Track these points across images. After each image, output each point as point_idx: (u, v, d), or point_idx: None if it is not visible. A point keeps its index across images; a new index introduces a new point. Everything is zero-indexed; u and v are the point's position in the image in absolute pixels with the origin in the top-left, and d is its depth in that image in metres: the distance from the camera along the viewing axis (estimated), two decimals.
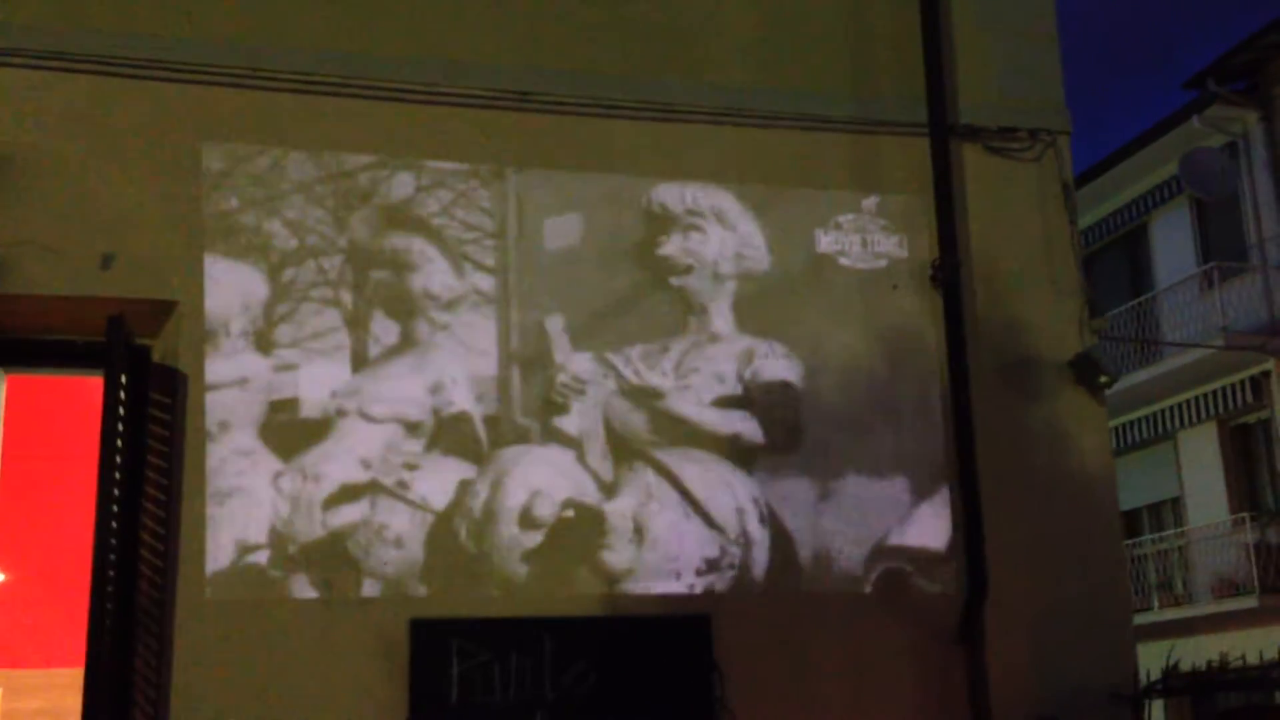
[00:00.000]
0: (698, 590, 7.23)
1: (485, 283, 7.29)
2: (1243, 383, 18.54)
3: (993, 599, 7.48)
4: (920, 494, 7.71)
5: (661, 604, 7.14)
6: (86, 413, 7.05)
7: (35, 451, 9.13)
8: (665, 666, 7.03)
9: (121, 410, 6.60)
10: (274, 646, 6.58)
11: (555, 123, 7.60)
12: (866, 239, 7.99)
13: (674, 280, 7.63)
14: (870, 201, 8.06)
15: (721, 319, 7.65)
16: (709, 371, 7.53)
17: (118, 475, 6.50)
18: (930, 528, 7.66)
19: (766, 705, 7.10)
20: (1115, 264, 21.50)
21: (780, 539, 7.43)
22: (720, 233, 7.74)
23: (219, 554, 6.60)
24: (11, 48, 6.80)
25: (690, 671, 7.05)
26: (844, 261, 7.93)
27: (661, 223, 7.68)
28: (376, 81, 7.31)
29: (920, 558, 7.62)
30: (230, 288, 6.89)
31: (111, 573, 6.39)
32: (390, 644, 6.69)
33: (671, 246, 7.65)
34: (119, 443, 6.55)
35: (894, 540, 7.61)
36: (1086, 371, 8.02)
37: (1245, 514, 18.52)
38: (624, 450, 7.29)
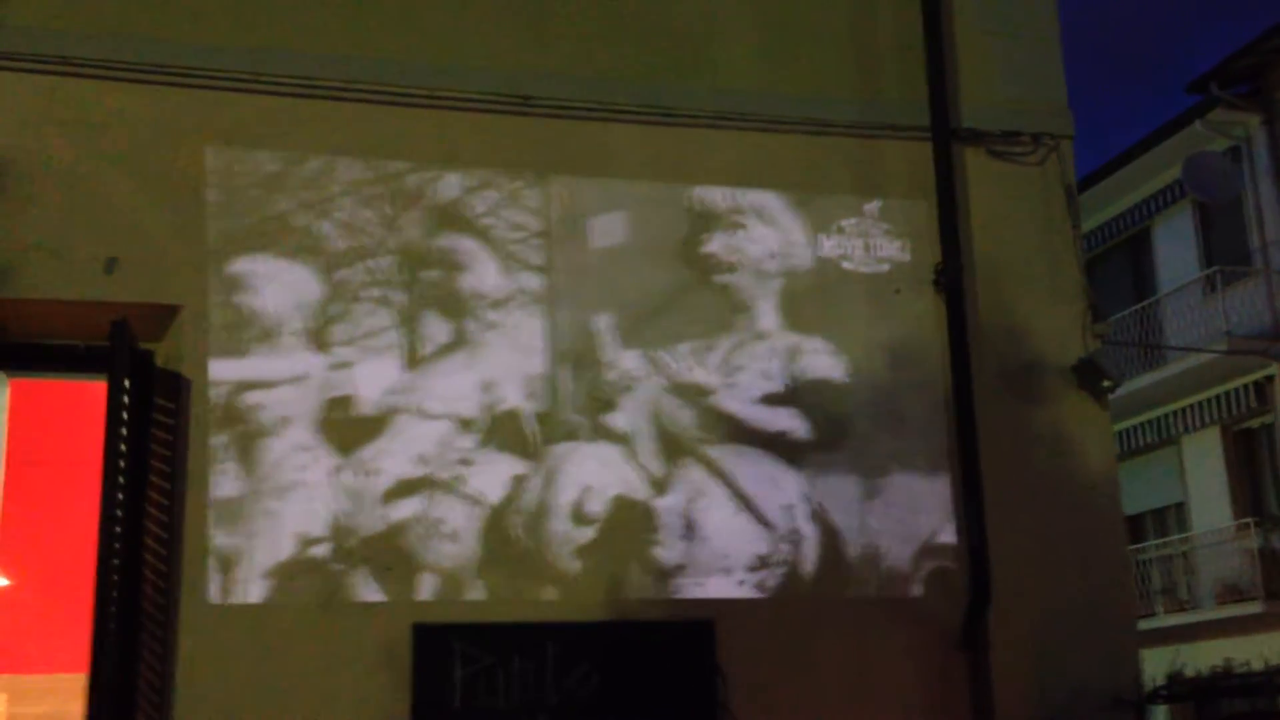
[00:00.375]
0: (749, 586, 7.30)
1: (533, 282, 7.37)
2: (1246, 387, 18.51)
3: (996, 603, 7.48)
4: (933, 496, 7.73)
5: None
6: (90, 417, 7.04)
7: (39, 456, 9.12)
8: (668, 670, 7.03)
9: (125, 415, 6.60)
10: (277, 651, 6.58)
11: (556, 127, 7.60)
12: (869, 243, 8.00)
13: (718, 278, 7.69)
14: (873, 206, 8.06)
15: (766, 316, 7.70)
16: (755, 369, 7.59)
17: (121, 480, 6.51)
18: (943, 530, 7.68)
19: (769, 709, 7.10)
20: (1118, 268, 21.47)
21: (829, 536, 7.50)
22: (763, 230, 7.81)
23: (280, 547, 6.68)
24: (15, 51, 6.82)
25: (693, 675, 7.05)
26: (846, 266, 7.93)
27: (705, 221, 7.74)
28: (380, 85, 7.32)
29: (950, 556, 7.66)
30: (286, 287, 6.98)
31: (115, 578, 6.39)
32: (393, 649, 6.69)
33: (715, 244, 7.70)
34: (122, 447, 6.56)
35: (914, 540, 7.65)
36: (1089, 376, 8.02)
37: (1249, 519, 18.48)
38: (673, 447, 7.38)
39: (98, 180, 6.84)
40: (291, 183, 7.12)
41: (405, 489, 6.92)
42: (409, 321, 7.14)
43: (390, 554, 6.83)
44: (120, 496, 6.49)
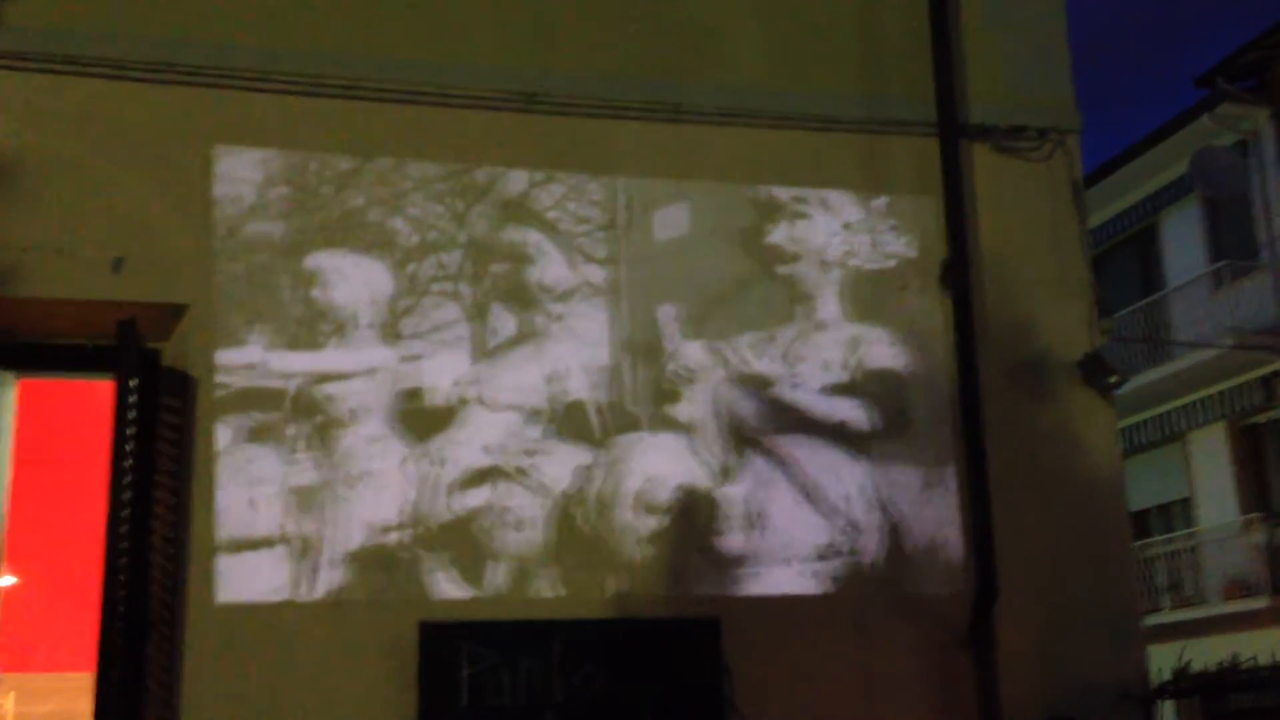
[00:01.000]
0: (807, 577, 7.37)
1: (597, 274, 7.47)
2: (1253, 382, 18.51)
3: (1002, 600, 7.47)
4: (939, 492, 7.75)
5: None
6: (97, 417, 7.06)
7: (46, 455, 9.14)
8: (674, 668, 7.03)
9: (132, 414, 6.60)
10: (284, 650, 6.59)
11: (562, 124, 7.60)
12: (876, 239, 7.99)
13: (781, 268, 7.73)
14: (879, 202, 8.05)
15: (827, 306, 7.75)
16: (817, 359, 7.65)
17: (128, 479, 6.52)
18: (949, 526, 7.69)
19: (776, 707, 7.10)
20: (1125, 263, 21.45)
21: (891, 527, 7.57)
22: (826, 220, 7.89)
23: (352, 534, 6.79)
24: (22, 51, 6.82)
25: (699, 673, 7.04)
26: (853, 262, 7.93)
27: (768, 211, 7.80)
28: (387, 83, 7.33)
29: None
30: (358, 282, 7.10)
31: (122, 576, 6.40)
32: (400, 648, 6.70)
33: (778, 235, 7.76)
34: (130, 446, 6.56)
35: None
36: (1095, 371, 8.01)
37: (1255, 514, 18.49)
38: (735, 437, 7.46)
39: (104, 179, 6.84)
40: (365, 180, 7.22)
41: (474, 478, 7.04)
42: (477, 314, 7.25)
43: (460, 543, 6.93)
44: (127, 495, 6.50)
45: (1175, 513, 20.55)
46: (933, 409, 7.82)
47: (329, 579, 6.73)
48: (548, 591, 7.00)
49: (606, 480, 7.21)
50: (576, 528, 7.12)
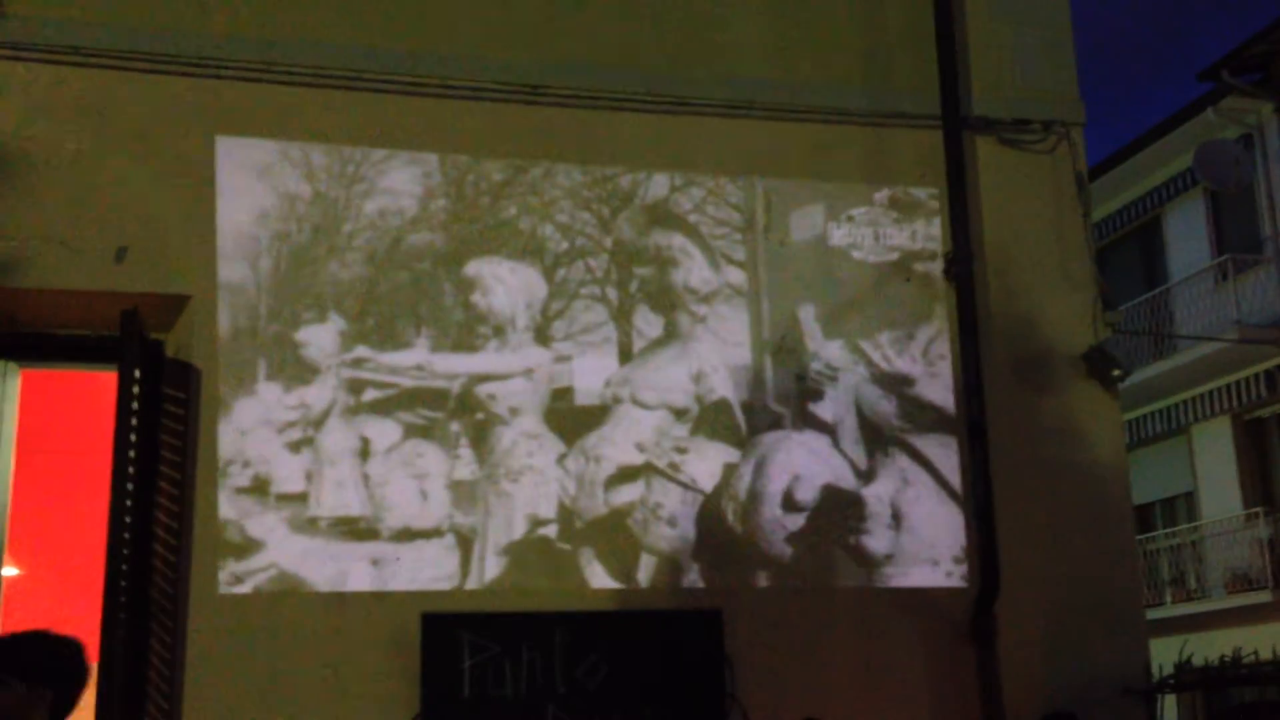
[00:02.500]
0: (956, 578, 7.47)
1: (737, 276, 7.62)
2: (1257, 376, 18.47)
3: (1004, 594, 7.46)
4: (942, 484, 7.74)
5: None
6: (101, 407, 7.06)
7: (49, 446, 9.13)
8: (676, 660, 7.03)
9: (135, 405, 6.60)
10: (286, 641, 6.59)
11: (564, 115, 7.59)
12: (879, 232, 7.98)
13: (917, 266, 7.83)
14: (883, 194, 8.04)
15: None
16: (955, 358, 7.75)
17: (131, 470, 6.51)
18: (951, 520, 7.68)
19: (777, 699, 7.10)
20: (1129, 257, 21.41)
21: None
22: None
23: (512, 527, 6.98)
24: (25, 42, 6.82)
25: (701, 665, 7.05)
26: (856, 254, 7.92)
27: (903, 210, 7.91)
28: (387, 75, 7.32)
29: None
30: (515, 287, 7.29)
31: (125, 568, 6.40)
32: (402, 638, 6.70)
33: (915, 233, 7.90)
34: (133, 437, 6.56)
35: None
36: (1099, 365, 8.00)
37: (1259, 508, 18.45)
38: (877, 436, 7.58)
39: (107, 170, 6.84)
40: (516, 190, 7.36)
41: (626, 475, 7.20)
42: (623, 316, 7.42)
43: (614, 537, 7.09)
44: (130, 486, 6.49)
45: (1179, 506, 20.54)
46: (936, 401, 7.83)
47: (489, 568, 6.91)
48: (698, 583, 7.16)
49: (754, 477, 7.35)
50: (726, 524, 7.25)
